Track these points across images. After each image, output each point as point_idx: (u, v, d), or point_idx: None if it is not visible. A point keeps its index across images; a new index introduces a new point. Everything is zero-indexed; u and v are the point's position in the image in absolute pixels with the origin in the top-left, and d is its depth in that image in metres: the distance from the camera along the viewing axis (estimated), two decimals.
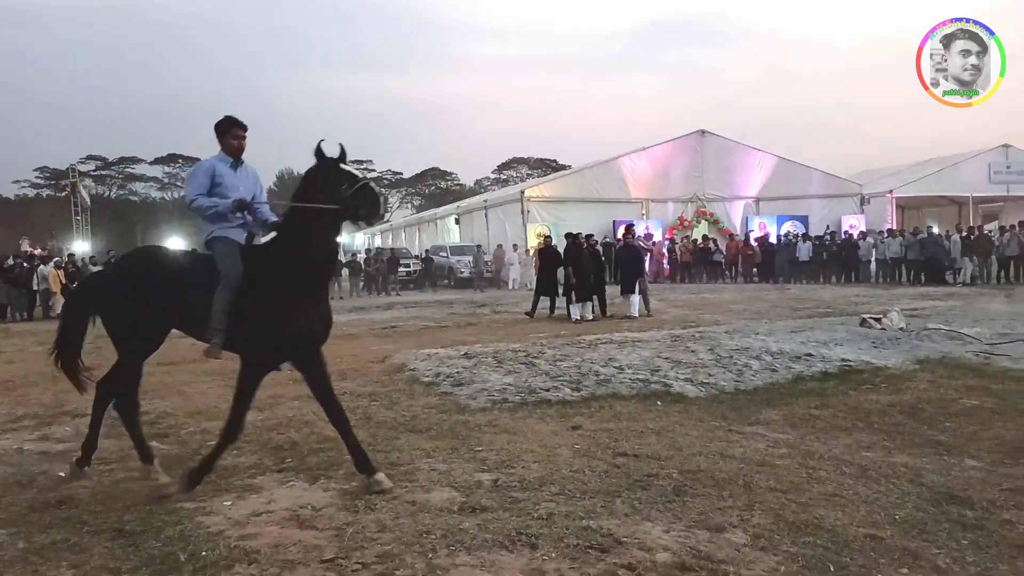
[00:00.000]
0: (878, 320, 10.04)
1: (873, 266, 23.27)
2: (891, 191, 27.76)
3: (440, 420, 5.83)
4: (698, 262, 25.12)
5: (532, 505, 3.82)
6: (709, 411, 6.03)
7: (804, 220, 26.62)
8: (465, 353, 8.60)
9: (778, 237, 25.48)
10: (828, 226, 25.80)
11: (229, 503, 3.98)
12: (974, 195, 28.12)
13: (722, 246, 25.43)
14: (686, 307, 15.60)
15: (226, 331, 4.00)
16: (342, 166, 4.06)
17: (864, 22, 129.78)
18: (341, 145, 4.09)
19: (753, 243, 25.38)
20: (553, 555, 3.22)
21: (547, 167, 69.67)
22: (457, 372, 7.49)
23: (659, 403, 6.31)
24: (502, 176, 75.07)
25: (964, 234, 22.12)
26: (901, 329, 9.83)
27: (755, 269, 24.88)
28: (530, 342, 9.67)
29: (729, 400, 6.45)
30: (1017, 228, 21.37)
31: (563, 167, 59.57)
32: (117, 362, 4.38)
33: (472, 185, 73.73)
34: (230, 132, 4.40)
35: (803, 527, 3.53)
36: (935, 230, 24.89)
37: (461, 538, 3.40)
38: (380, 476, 4.10)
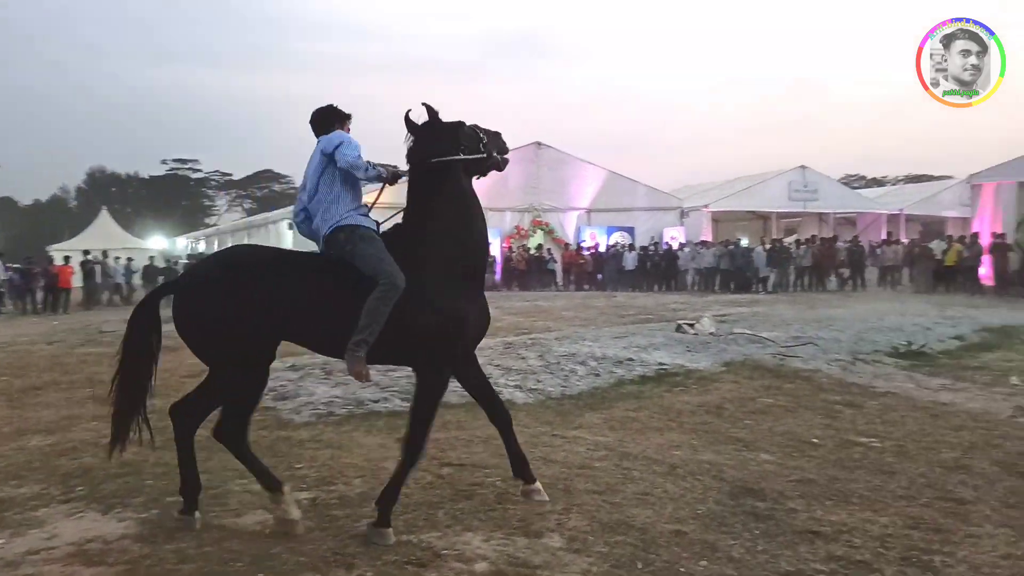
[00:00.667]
0: (691, 326, 10.76)
1: (690, 275, 25.09)
2: (707, 206, 29.98)
3: (259, 437, 5.49)
4: (533, 270, 25.82)
5: (351, 523, 3.70)
6: (536, 417, 6.15)
7: (631, 231, 28.13)
8: (292, 365, 8.24)
9: (607, 247, 26.76)
10: (652, 237, 27.43)
11: (2, 541, 3.52)
12: (777, 211, 31.13)
13: (556, 255, 26.31)
14: (520, 315, 15.93)
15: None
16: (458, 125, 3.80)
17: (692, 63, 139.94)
18: (425, 104, 3.72)
19: (585, 252, 26.48)
20: (369, 574, 3.13)
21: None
22: (281, 385, 7.15)
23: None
24: None
25: (768, 246, 24.38)
26: (711, 334, 10.60)
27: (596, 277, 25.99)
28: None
29: (555, 405, 6.63)
30: (811, 241, 23.95)
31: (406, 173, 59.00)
32: (205, 384, 3.73)
33: None
34: (345, 122, 3.96)
35: (616, 527, 3.67)
36: (744, 242, 27.24)
37: (271, 563, 3.22)
38: (538, 486, 3.92)
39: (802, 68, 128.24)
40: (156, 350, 3.66)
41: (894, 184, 56.04)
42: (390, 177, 3.74)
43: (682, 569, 3.22)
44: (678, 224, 29.14)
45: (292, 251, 3.92)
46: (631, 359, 8.48)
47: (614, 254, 26.07)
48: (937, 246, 22.45)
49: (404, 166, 3.85)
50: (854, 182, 62.83)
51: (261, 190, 73.19)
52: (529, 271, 25.83)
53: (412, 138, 3.77)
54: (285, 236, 31.19)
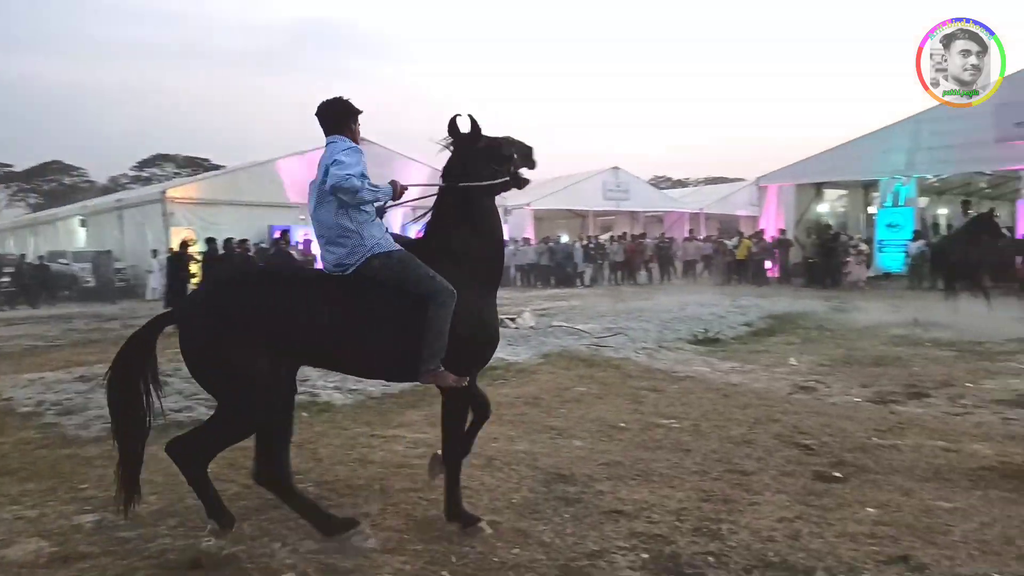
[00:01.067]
0: (513, 320, 11.04)
1: (513, 271, 25.79)
2: (529, 204, 30.91)
3: (38, 457, 4.95)
4: None
5: (143, 544, 3.40)
6: (355, 418, 6.01)
7: None
8: (81, 376, 7.46)
9: None
10: None
11: None
12: (593, 209, 32.76)
13: None
14: None
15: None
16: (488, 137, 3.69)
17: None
18: (471, 116, 3.63)
19: None
20: None
21: (197, 166, 64.26)
22: (67, 399, 6.46)
23: (305, 414, 6.10)
24: (143, 174, 67.36)
25: (585, 243, 25.59)
26: (532, 327, 10.94)
27: None
28: (165, 357, 8.74)
29: (376, 405, 6.51)
30: (622, 238, 25.49)
31: (217, 167, 55.56)
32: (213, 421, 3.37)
33: (106, 183, 65.02)
34: (356, 118, 3.65)
35: (432, 523, 3.66)
36: (564, 239, 28.41)
37: None
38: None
39: (619, 65, 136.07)
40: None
41: (695, 186, 60.90)
42: (396, 195, 3.55)
43: (495, 559, 3.27)
44: (504, 222, 29.75)
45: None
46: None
47: None
48: (731, 242, 24.68)
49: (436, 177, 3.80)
50: (661, 183, 67.43)
51: (48, 183, 65.73)
52: None
53: (454, 151, 3.71)
54: (77, 234, 28.31)
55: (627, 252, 24.67)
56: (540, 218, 33.27)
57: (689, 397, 6.64)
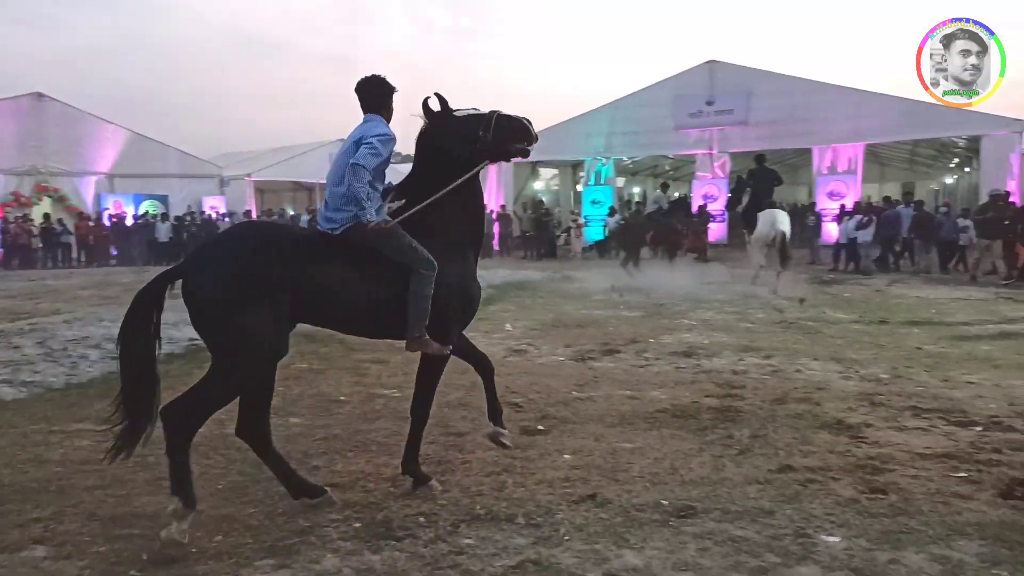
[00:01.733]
0: None
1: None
2: (249, 175, 29.09)
3: None
4: (42, 245, 21.91)
5: None
6: (29, 414, 5.20)
7: (164, 199, 25.77)
8: None
9: (135, 217, 24.09)
10: (189, 206, 25.56)
11: None
12: (320, 182, 31.76)
13: (70, 226, 22.71)
14: (20, 296, 13.38)
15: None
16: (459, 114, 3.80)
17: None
18: (439, 95, 3.78)
19: (107, 223, 23.42)
20: None
21: None
22: None
23: None
24: None
25: (311, 216, 24.77)
26: None
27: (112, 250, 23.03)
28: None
29: (58, 398, 5.71)
30: None
31: None
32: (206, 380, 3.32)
33: None
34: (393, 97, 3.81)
35: (121, 520, 3.31)
36: (290, 213, 27.25)
37: None
38: (505, 431, 4.00)
39: (339, 46, 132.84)
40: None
41: None
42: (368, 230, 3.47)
43: (194, 549, 3.04)
44: (218, 193, 27.70)
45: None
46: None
47: (144, 224, 23.58)
48: None
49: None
50: (397, 157, 67.50)
51: None
52: (33, 246, 21.82)
53: (435, 127, 3.79)
54: None
55: None
56: (263, 190, 31.48)
57: (412, 367, 6.66)
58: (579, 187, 27.50)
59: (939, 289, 12.64)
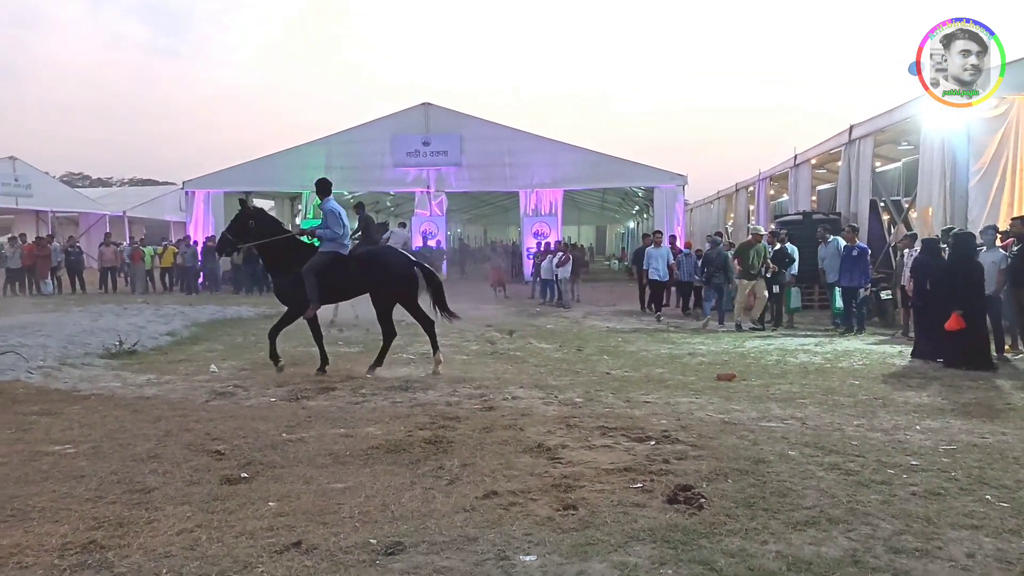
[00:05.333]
0: None
1: None
2: None
3: None
4: None
5: None
6: None
7: None
8: None
9: None
10: None
11: None
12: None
13: None
14: None
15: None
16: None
17: None
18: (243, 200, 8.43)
19: None
20: None
21: None
22: None
23: None
24: None
25: None
26: None
27: None
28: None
29: None
30: (23, 239, 21.66)
31: None
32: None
33: None
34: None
35: None
36: None
37: None
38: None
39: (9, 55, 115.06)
40: None
41: (119, 186, 55.74)
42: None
43: None
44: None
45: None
46: None
47: None
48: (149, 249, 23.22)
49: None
50: (77, 181, 59.76)
51: None
52: None
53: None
54: None
55: (27, 256, 20.89)
56: None
57: (92, 417, 5.93)
58: (297, 220, 26.67)
59: (624, 320, 14.30)
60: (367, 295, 8.36)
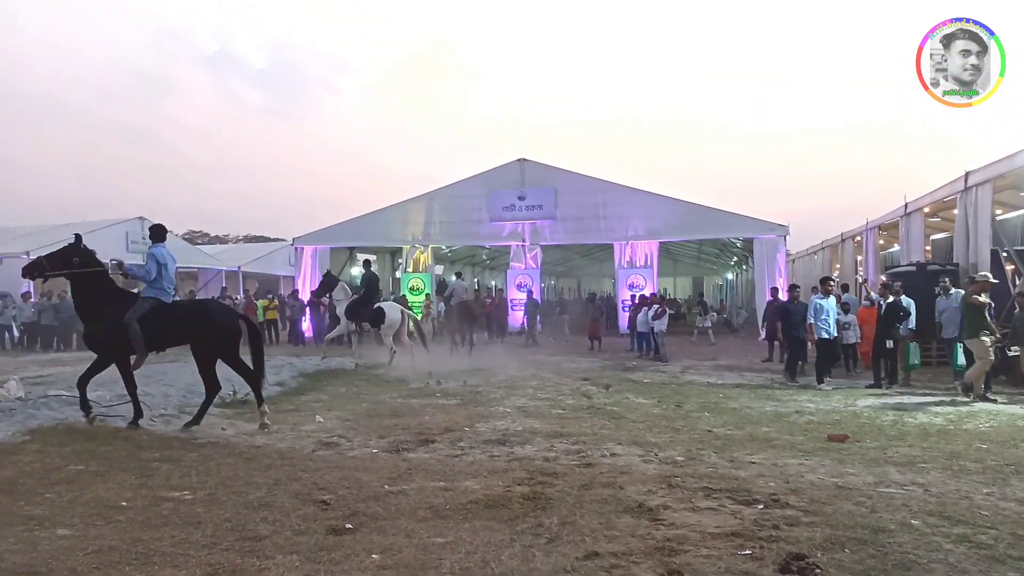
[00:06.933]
0: None
1: (15, 331, 21.78)
2: (28, 252, 26.14)
3: None
4: None
5: None
6: None
7: None
8: None
9: None
10: None
11: None
12: (113, 260, 29.28)
13: None
14: None
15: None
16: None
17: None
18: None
19: None
20: None
21: None
22: None
23: None
24: None
25: None
26: (19, 399, 9.12)
27: None
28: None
29: None
30: None
31: None
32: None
33: None
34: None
35: None
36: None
37: None
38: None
39: (136, 116, 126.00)
40: None
41: (235, 243, 59.26)
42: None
43: None
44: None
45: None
46: None
47: None
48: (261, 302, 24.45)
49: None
50: (197, 238, 63.95)
51: None
52: None
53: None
54: None
55: None
56: None
57: (208, 464, 6.23)
58: (398, 273, 27.55)
59: (725, 375, 13.87)
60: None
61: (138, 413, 8.00)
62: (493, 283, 37.90)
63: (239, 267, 36.90)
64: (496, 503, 5.02)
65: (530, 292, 23.82)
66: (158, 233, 8.51)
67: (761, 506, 4.93)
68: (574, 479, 5.71)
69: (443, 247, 27.58)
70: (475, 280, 38.34)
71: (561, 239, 25.71)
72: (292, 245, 26.78)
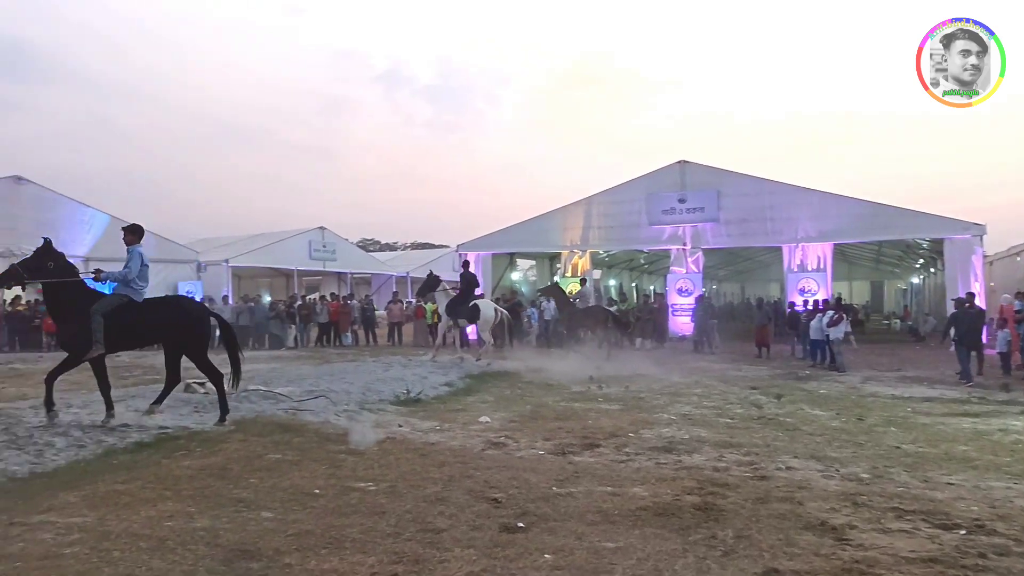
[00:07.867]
0: (202, 385, 10.13)
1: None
2: (227, 260, 29.09)
3: None
4: (15, 329, 21.53)
5: None
6: None
7: None
8: None
9: None
10: (165, 291, 25.38)
11: None
12: (298, 268, 31.90)
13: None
14: None
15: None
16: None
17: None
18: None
19: None
20: None
21: None
22: None
23: None
24: None
25: (287, 303, 24.67)
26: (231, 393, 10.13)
27: None
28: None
29: (20, 488, 5.48)
30: (326, 299, 25.10)
31: None
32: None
33: None
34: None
35: None
36: (267, 299, 27.10)
37: None
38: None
39: (316, 134, 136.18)
40: None
41: (403, 250, 62.51)
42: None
43: None
44: (195, 278, 27.58)
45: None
46: (126, 425, 7.58)
47: None
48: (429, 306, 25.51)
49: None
50: (370, 246, 68.06)
51: None
52: (7, 329, 21.42)
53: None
54: None
55: (333, 313, 24.24)
56: (240, 276, 31.49)
57: (388, 458, 6.62)
58: (556, 278, 27.80)
59: (912, 387, 12.77)
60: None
61: (110, 409, 7.90)
62: (652, 287, 37.30)
63: (407, 272, 38.85)
64: (666, 511, 4.95)
65: (701, 295, 22.92)
66: (136, 232, 8.51)
67: (963, 532, 4.50)
68: (747, 491, 5.51)
69: (601, 252, 27.51)
70: (632, 284, 37.93)
71: (724, 242, 24.84)
72: (456, 251, 27.82)
